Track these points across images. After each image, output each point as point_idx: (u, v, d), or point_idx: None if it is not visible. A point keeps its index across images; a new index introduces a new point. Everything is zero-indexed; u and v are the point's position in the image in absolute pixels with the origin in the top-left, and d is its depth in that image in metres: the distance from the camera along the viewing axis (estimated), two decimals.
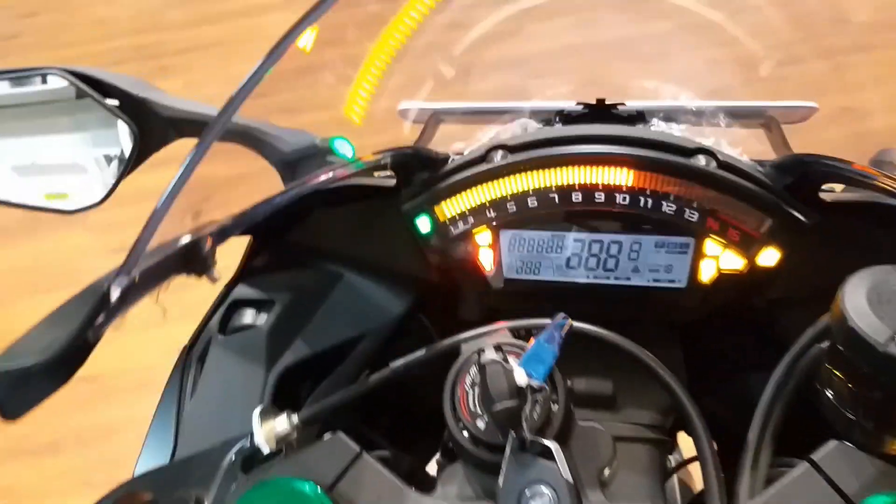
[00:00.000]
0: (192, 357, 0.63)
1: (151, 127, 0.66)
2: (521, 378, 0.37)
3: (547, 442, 0.36)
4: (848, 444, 0.38)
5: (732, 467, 0.43)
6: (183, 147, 0.64)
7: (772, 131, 0.65)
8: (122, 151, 0.72)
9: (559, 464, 0.36)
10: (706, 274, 0.53)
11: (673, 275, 0.54)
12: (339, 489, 0.40)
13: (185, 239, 0.41)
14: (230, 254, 0.65)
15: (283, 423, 0.47)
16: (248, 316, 0.64)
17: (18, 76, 0.68)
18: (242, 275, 0.65)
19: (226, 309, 0.64)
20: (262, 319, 0.63)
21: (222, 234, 0.43)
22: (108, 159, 0.75)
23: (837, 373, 0.40)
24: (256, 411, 0.48)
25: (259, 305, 0.64)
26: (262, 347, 0.61)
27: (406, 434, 0.74)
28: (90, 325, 0.36)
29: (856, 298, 0.37)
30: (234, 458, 0.46)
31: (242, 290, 0.64)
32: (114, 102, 0.66)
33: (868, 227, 0.51)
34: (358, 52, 0.61)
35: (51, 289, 2.29)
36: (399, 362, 0.48)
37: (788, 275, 0.53)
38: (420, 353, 0.48)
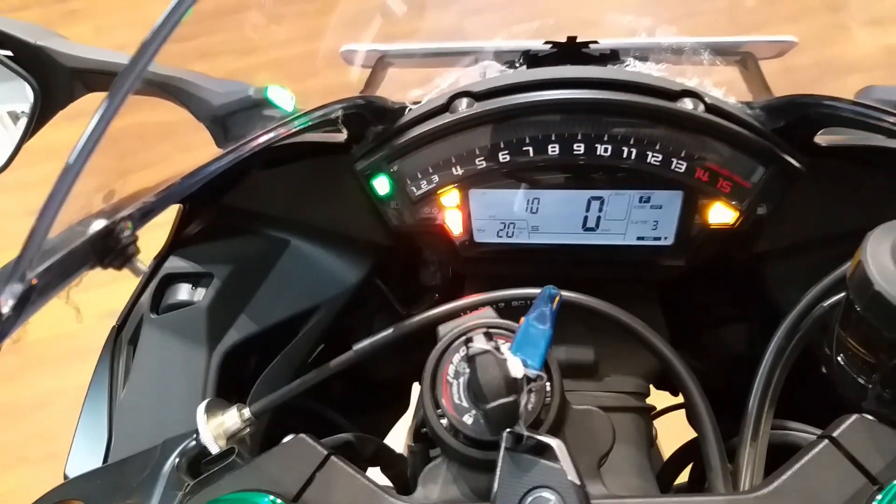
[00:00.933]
0: (123, 339, 0.56)
1: (54, 80, 0.57)
2: (516, 369, 0.32)
3: (548, 439, 0.32)
4: (869, 417, 0.35)
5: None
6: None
7: (748, 68, 0.61)
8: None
9: (564, 464, 0.31)
10: (695, 229, 0.49)
11: (659, 231, 0.49)
12: (306, 499, 0.35)
13: (98, 224, 0.33)
14: (156, 220, 0.58)
15: (233, 418, 0.42)
16: (183, 292, 0.57)
17: None
18: (174, 245, 0.58)
19: (157, 284, 0.57)
20: (200, 295, 0.56)
21: (145, 214, 0.36)
22: (14, 116, 0.66)
23: (852, 340, 0.36)
24: (201, 407, 0.42)
25: (195, 279, 0.57)
26: (201, 326, 0.54)
27: (361, 403, 0.70)
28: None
29: (881, 258, 0.33)
30: (177, 461, 0.40)
31: (175, 263, 0.57)
32: (7, 53, 0.56)
33: (863, 173, 0.48)
34: None
35: None
36: (363, 344, 0.43)
37: (778, 225, 0.49)
38: (387, 332, 0.43)
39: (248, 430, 0.43)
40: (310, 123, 0.44)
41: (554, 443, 0.31)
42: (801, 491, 0.33)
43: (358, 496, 0.35)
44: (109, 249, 0.33)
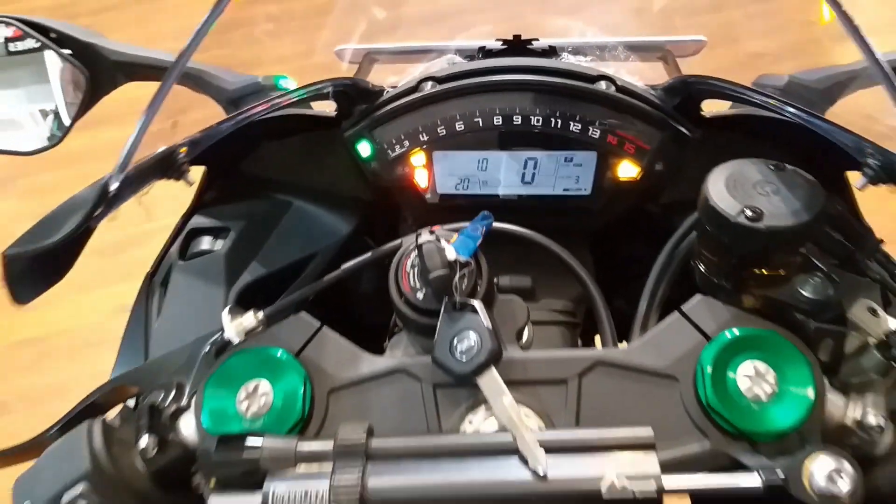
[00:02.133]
0: (155, 283, 0.69)
1: (101, 71, 0.69)
2: (450, 253, 0.45)
3: (473, 302, 0.44)
4: (710, 297, 0.47)
5: None
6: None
7: (668, 63, 0.74)
8: (56, 105, 0.75)
9: (481, 315, 0.44)
10: (607, 182, 0.62)
11: (580, 184, 0.62)
12: (305, 354, 0.47)
13: (163, 148, 0.47)
14: (184, 188, 0.71)
15: (249, 319, 0.54)
16: (205, 242, 0.69)
17: None
18: (198, 205, 0.71)
19: (184, 237, 0.70)
20: (219, 245, 0.69)
21: (193, 145, 0.49)
22: (44, 114, 0.78)
23: (705, 251, 0.49)
24: (225, 311, 0.55)
25: (215, 233, 0.70)
26: (220, 269, 0.67)
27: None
28: (92, 215, 0.42)
29: (716, 184, 0.46)
30: (208, 348, 0.52)
31: (199, 220, 0.70)
32: (67, 51, 0.69)
33: (741, 138, 0.61)
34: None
35: None
36: (349, 263, 0.55)
37: (676, 182, 0.62)
38: (367, 254, 0.56)
39: (260, 328, 0.54)
40: (306, 95, 0.57)
41: (476, 303, 0.44)
42: (656, 346, 0.46)
43: (342, 353, 0.48)
44: (170, 166, 0.46)
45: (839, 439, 0.43)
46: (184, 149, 0.48)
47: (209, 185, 0.72)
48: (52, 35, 0.68)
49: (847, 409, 0.44)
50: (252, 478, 0.41)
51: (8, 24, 0.69)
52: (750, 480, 0.39)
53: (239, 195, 0.71)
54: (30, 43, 0.74)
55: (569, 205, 0.64)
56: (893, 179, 0.44)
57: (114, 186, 0.42)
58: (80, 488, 0.42)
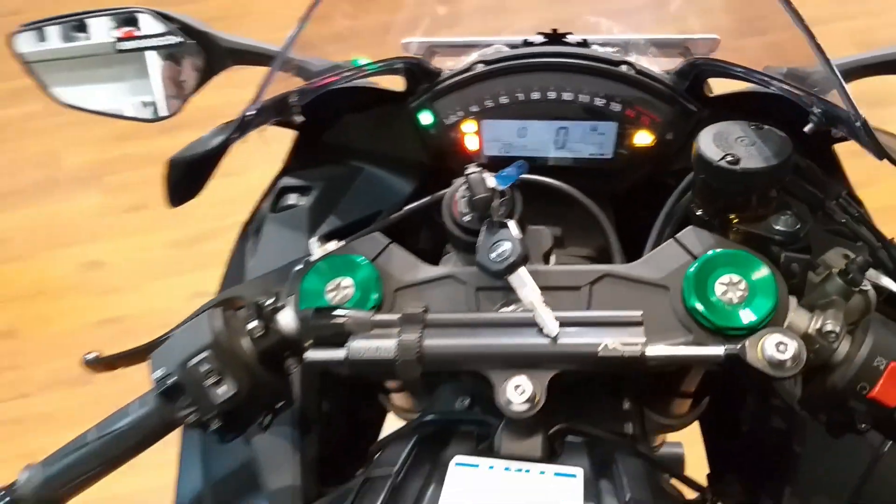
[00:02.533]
0: (250, 231, 0.84)
1: (213, 55, 0.85)
2: (491, 182, 0.57)
3: (507, 221, 0.57)
4: (700, 228, 0.59)
5: None
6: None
7: (686, 58, 0.86)
8: (154, 98, 0.91)
9: (513, 230, 0.55)
10: (626, 148, 0.74)
11: (603, 150, 0.75)
12: (378, 261, 0.61)
13: (280, 94, 0.62)
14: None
15: (332, 245, 0.68)
16: (292, 199, 0.84)
17: (111, 14, 0.87)
18: (288, 167, 0.86)
19: (275, 194, 0.85)
20: (304, 201, 0.83)
21: (301, 93, 0.64)
22: (145, 104, 0.94)
23: (698, 196, 0.61)
24: (313, 238, 0.68)
25: (301, 191, 0.84)
26: (303, 221, 0.81)
27: None
28: (232, 135, 0.57)
29: (705, 138, 0.58)
30: (299, 267, 0.66)
31: (287, 180, 0.85)
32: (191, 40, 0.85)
33: (739, 115, 0.72)
34: None
35: (72, 242, 2.48)
36: (414, 204, 0.69)
37: (685, 151, 0.74)
38: (427, 198, 0.69)
39: None
40: (383, 67, 0.72)
41: (510, 221, 0.57)
42: (653, 263, 0.57)
43: (406, 262, 0.60)
44: (284, 108, 0.61)
45: (805, 345, 0.53)
46: (294, 97, 0.63)
47: (298, 150, 0.86)
48: (177, 24, 0.84)
49: (810, 322, 0.53)
50: (338, 339, 0.55)
51: (142, 13, 0.85)
52: (716, 351, 0.51)
53: (321, 160, 0.86)
54: (135, 43, 0.91)
55: (594, 167, 0.76)
56: (831, 123, 0.55)
57: (248, 115, 0.57)
58: (204, 355, 0.56)
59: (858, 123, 0.50)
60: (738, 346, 0.50)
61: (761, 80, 0.61)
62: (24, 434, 2.10)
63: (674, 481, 0.65)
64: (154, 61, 0.88)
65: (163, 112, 0.88)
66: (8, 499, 0.60)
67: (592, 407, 0.60)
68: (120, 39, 0.88)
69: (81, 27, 0.92)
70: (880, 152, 0.50)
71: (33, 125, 2.96)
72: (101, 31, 0.89)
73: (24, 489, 0.59)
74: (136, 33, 0.88)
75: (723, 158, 0.55)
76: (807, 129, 0.57)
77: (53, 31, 0.93)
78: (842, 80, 0.52)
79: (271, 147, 0.95)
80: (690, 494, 0.68)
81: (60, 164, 2.76)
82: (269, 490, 0.67)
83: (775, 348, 0.49)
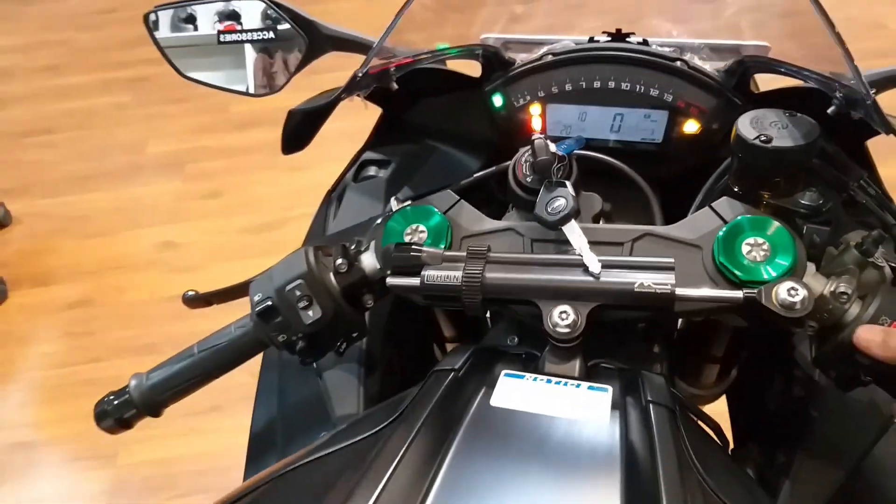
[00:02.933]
0: (333, 197, 0.95)
1: (316, 41, 0.96)
2: (552, 147, 0.67)
3: (565, 182, 0.66)
4: (733, 199, 0.67)
5: None
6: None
7: None
8: (247, 87, 1.03)
9: (569, 189, 0.65)
10: (675, 135, 0.83)
11: (654, 135, 0.84)
12: (449, 214, 0.71)
13: (382, 64, 0.73)
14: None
15: (432, 202, 0.77)
16: (372, 170, 0.95)
17: (210, 2, 0.99)
18: (370, 143, 0.97)
19: (358, 166, 0.96)
20: (383, 173, 0.94)
21: (398, 68, 0.75)
22: (259, 93, 1.05)
23: (735, 174, 0.69)
24: (393, 198, 0.79)
25: (381, 164, 0.95)
26: (382, 191, 0.92)
27: None
28: (343, 92, 0.68)
29: (743, 121, 0.66)
30: (379, 221, 0.76)
31: (369, 154, 0.96)
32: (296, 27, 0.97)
33: (781, 107, 0.79)
34: None
35: (151, 223, 2.66)
36: (483, 172, 0.79)
37: (728, 141, 0.82)
38: (495, 167, 0.79)
39: None
40: (463, 52, 0.82)
41: (567, 182, 0.66)
42: (689, 226, 0.65)
43: (472, 216, 0.70)
44: (385, 76, 0.72)
45: (820, 306, 0.58)
46: (393, 69, 0.75)
47: (380, 127, 0.98)
48: (286, 13, 0.97)
49: (826, 285, 0.59)
50: (414, 269, 0.65)
51: (250, 2, 0.97)
52: (736, 294, 0.59)
53: (401, 137, 0.97)
54: (235, 37, 1.04)
55: (646, 151, 0.85)
56: (850, 106, 0.63)
57: (359, 76, 0.69)
58: (298, 282, 0.67)
59: (869, 102, 0.58)
60: (756, 290, 0.58)
61: (797, 73, 0.70)
62: (96, 395, 2.26)
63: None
64: (251, 52, 1.01)
65: (272, 88, 1.01)
66: (117, 401, 0.71)
67: (628, 349, 0.68)
68: (221, 32, 1.02)
69: (189, 19, 1.06)
70: (888, 127, 0.58)
71: (122, 114, 3.19)
72: (206, 23, 1.03)
73: (133, 393, 0.71)
74: (237, 27, 1.01)
75: (757, 138, 0.64)
76: (830, 110, 0.65)
77: (164, 22, 1.07)
78: (855, 64, 0.60)
79: (338, 147, 1.07)
80: None
81: (145, 151, 2.97)
82: (334, 419, 0.77)
83: (787, 292, 0.57)
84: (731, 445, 0.91)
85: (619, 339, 0.68)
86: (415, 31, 0.96)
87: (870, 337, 0.57)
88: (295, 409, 0.82)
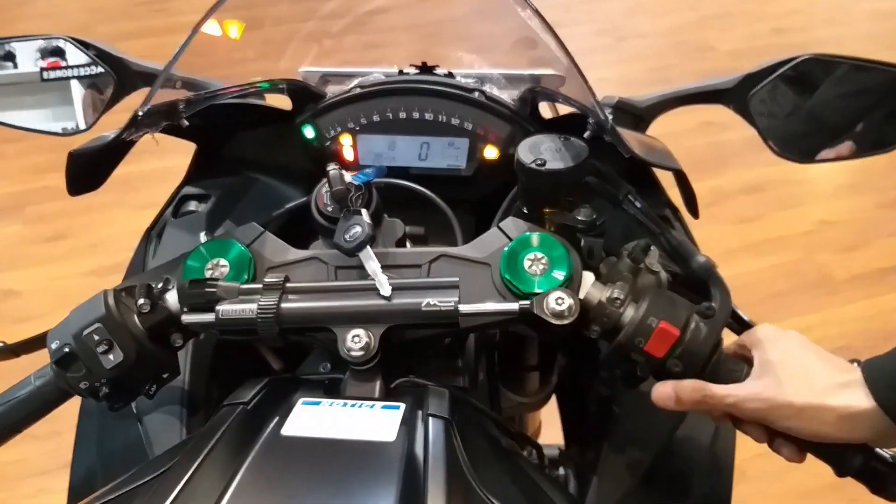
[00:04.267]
0: (153, 235, 0.93)
1: (125, 77, 0.95)
2: (348, 177, 0.69)
3: (361, 210, 0.68)
4: (518, 219, 0.72)
5: None
6: None
7: None
8: (76, 125, 1.00)
9: (365, 217, 0.67)
10: (477, 160, 0.88)
11: (458, 161, 0.89)
12: (253, 246, 0.71)
13: (168, 101, 0.73)
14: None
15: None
16: (192, 205, 0.94)
17: (28, 40, 0.96)
18: (189, 177, 0.96)
19: (177, 202, 0.95)
20: (202, 207, 0.94)
21: (188, 103, 0.75)
22: (66, 132, 1.03)
23: (521, 195, 0.74)
24: (202, 234, 0.78)
25: (200, 198, 0.95)
26: (202, 225, 0.92)
27: None
28: (125, 131, 0.67)
29: (522, 148, 0.71)
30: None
31: (189, 189, 0.95)
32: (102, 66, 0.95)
33: (566, 131, 0.86)
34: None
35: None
36: (290, 204, 0.80)
37: None
38: (301, 199, 0.80)
39: None
40: (269, 86, 0.84)
41: (363, 210, 0.68)
42: (480, 246, 0.66)
43: (277, 246, 0.70)
44: (174, 112, 0.72)
45: (598, 312, 0.64)
46: (182, 104, 0.75)
47: (197, 162, 0.97)
48: (93, 51, 0.95)
49: (602, 292, 0.64)
50: (210, 305, 0.65)
51: (65, 41, 0.94)
52: (512, 307, 0.63)
53: (219, 171, 0.97)
54: (60, 73, 1.01)
55: (451, 176, 0.90)
56: (600, 129, 0.70)
57: (140, 113, 0.68)
58: (95, 326, 0.65)
59: (608, 127, 0.65)
60: (529, 302, 0.63)
61: (568, 102, 0.76)
62: None
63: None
64: (77, 87, 0.98)
65: (81, 126, 0.98)
66: None
67: (434, 365, 0.71)
68: (44, 69, 0.98)
69: (8, 56, 1.02)
70: (626, 149, 0.65)
71: None
72: (28, 60, 0.99)
73: None
74: (61, 63, 0.98)
75: (533, 161, 0.69)
76: (585, 135, 0.72)
77: None
78: (593, 93, 0.67)
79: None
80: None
81: None
82: None
83: (555, 302, 0.62)
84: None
85: (426, 357, 0.71)
86: (229, 65, 0.97)
87: (662, 394, 0.64)
88: (115, 455, 0.79)
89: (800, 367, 0.60)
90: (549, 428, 1.19)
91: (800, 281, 2.41)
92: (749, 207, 2.66)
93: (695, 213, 0.79)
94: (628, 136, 0.67)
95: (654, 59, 3.55)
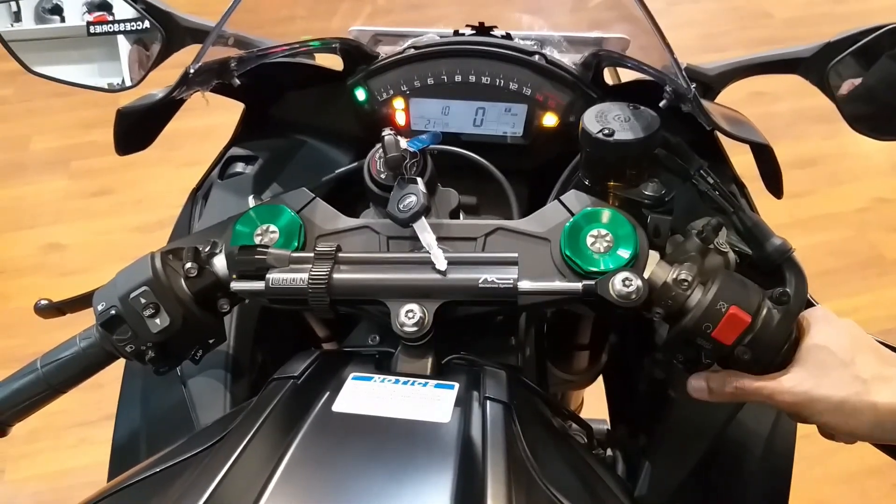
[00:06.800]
0: (199, 196, 0.92)
1: (173, 32, 0.93)
2: (403, 143, 0.66)
3: (416, 178, 0.66)
4: (581, 192, 0.68)
5: None
6: None
7: None
8: (123, 81, 0.99)
9: (420, 186, 0.65)
10: (535, 128, 0.84)
11: (515, 129, 0.85)
12: (303, 213, 0.69)
13: (222, 58, 0.70)
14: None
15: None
16: (239, 167, 0.92)
17: None
18: (236, 138, 0.94)
19: (224, 162, 0.93)
20: (249, 170, 0.91)
21: (240, 61, 0.73)
22: (113, 88, 1.01)
23: (584, 167, 0.70)
24: (251, 197, 0.76)
25: (248, 160, 0.92)
26: (248, 187, 0.89)
27: None
28: (175, 89, 0.65)
29: (588, 116, 0.67)
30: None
31: (235, 150, 0.93)
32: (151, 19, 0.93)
33: (633, 99, 0.82)
34: None
35: (35, 224, 2.52)
36: (342, 169, 0.78)
37: None
38: (354, 164, 0.78)
39: None
40: (320, 45, 0.81)
41: (418, 179, 0.65)
42: (539, 220, 0.64)
43: (328, 214, 0.68)
44: (225, 71, 0.70)
45: (663, 294, 0.60)
46: (234, 62, 0.72)
47: (245, 123, 0.95)
48: (141, 5, 0.92)
49: (669, 273, 0.61)
50: (260, 272, 0.63)
51: None
52: (575, 286, 0.60)
53: (267, 133, 0.94)
54: (106, 27, 0.99)
55: (508, 144, 0.86)
56: (679, 99, 0.66)
57: (191, 71, 0.66)
58: (143, 289, 0.64)
59: (691, 96, 0.60)
60: (593, 282, 0.60)
61: (639, 68, 0.72)
62: None
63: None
64: (123, 42, 0.96)
65: (127, 83, 0.96)
66: None
67: (486, 343, 0.69)
68: (91, 23, 0.96)
69: (55, 9, 1.01)
70: (709, 121, 0.60)
71: (3, 109, 3.00)
72: (75, 14, 0.98)
73: None
74: (108, 17, 0.96)
75: (600, 131, 0.65)
76: (661, 104, 0.67)
77: (28, 13, 1.00)
78: (676, 60, 0.63)
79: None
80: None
81: (28, 148, 2.80)
82: (199, 428, 0.75)
83: (622, 283, 0.58)
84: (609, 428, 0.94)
85: (479, 333, 0.69)
86: (280, 23, 0.94)
87: (696, 386, 0.62)
88: (159, 418, 0.79)
89: (845, 356, 0.56)
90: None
91: (850, 260, 2.32)
92: (800, 182, 2.56)
93: (779, 192, 0.75)
94: (710, 107, 0.63)
95: (707, 24, 3.41)
